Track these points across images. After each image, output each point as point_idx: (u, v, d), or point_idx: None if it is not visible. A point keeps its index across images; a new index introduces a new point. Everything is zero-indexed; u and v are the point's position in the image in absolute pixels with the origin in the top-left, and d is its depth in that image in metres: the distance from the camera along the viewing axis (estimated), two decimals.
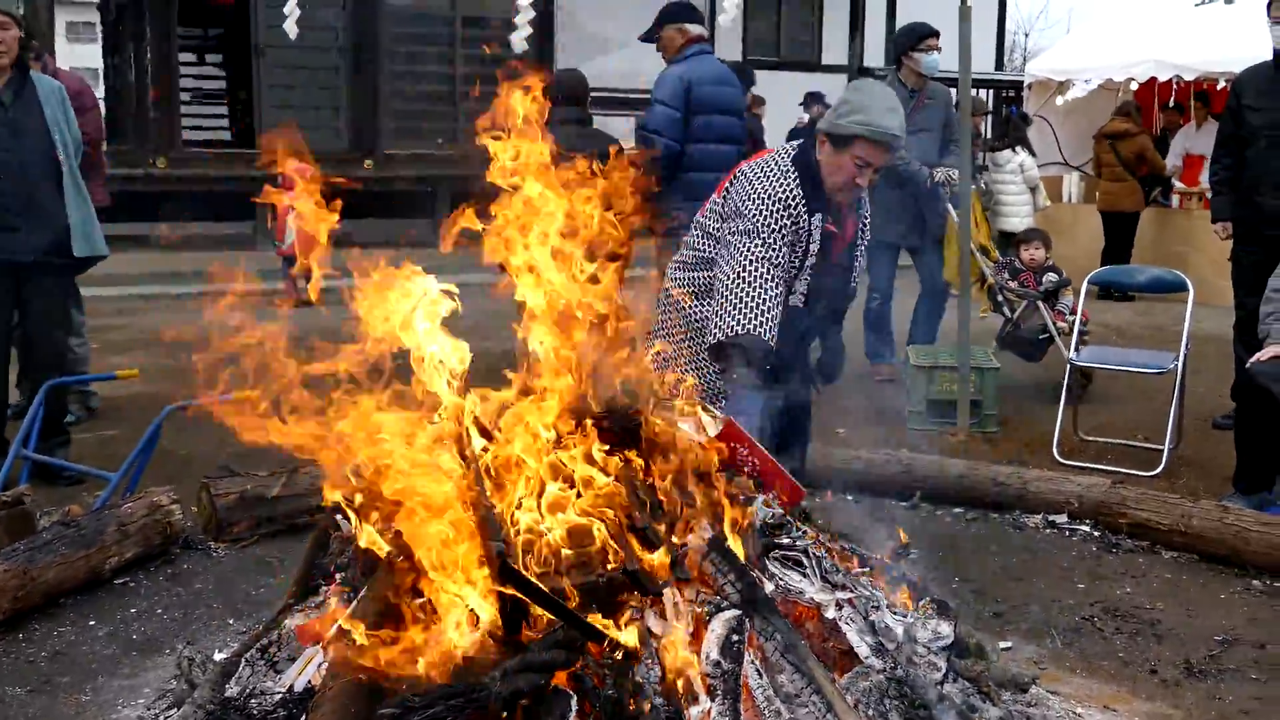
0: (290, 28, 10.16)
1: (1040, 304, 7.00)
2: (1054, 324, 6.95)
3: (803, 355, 4.30)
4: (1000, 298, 7.34)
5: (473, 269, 3.07)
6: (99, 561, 4.22)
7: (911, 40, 7.20)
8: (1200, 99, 12.31)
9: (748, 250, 3.93)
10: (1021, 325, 7.16)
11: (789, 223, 3.94)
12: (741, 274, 3.92)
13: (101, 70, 19.80)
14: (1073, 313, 7.07)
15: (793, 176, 3.98)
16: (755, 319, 3.88)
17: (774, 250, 3.93)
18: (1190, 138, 12.15)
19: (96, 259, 5.49)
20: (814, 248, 4.02)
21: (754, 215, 3.94)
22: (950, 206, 7.48)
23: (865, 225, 4.34)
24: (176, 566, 4.49)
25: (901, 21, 17.79)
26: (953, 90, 7.14)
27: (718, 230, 4.11)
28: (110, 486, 4.76)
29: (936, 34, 7.21)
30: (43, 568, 4.00)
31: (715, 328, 3.96)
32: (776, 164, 4.05)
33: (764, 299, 3.90)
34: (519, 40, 9.30)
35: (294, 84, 14.41)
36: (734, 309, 3.91)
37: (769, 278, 3.91)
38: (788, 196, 3.95)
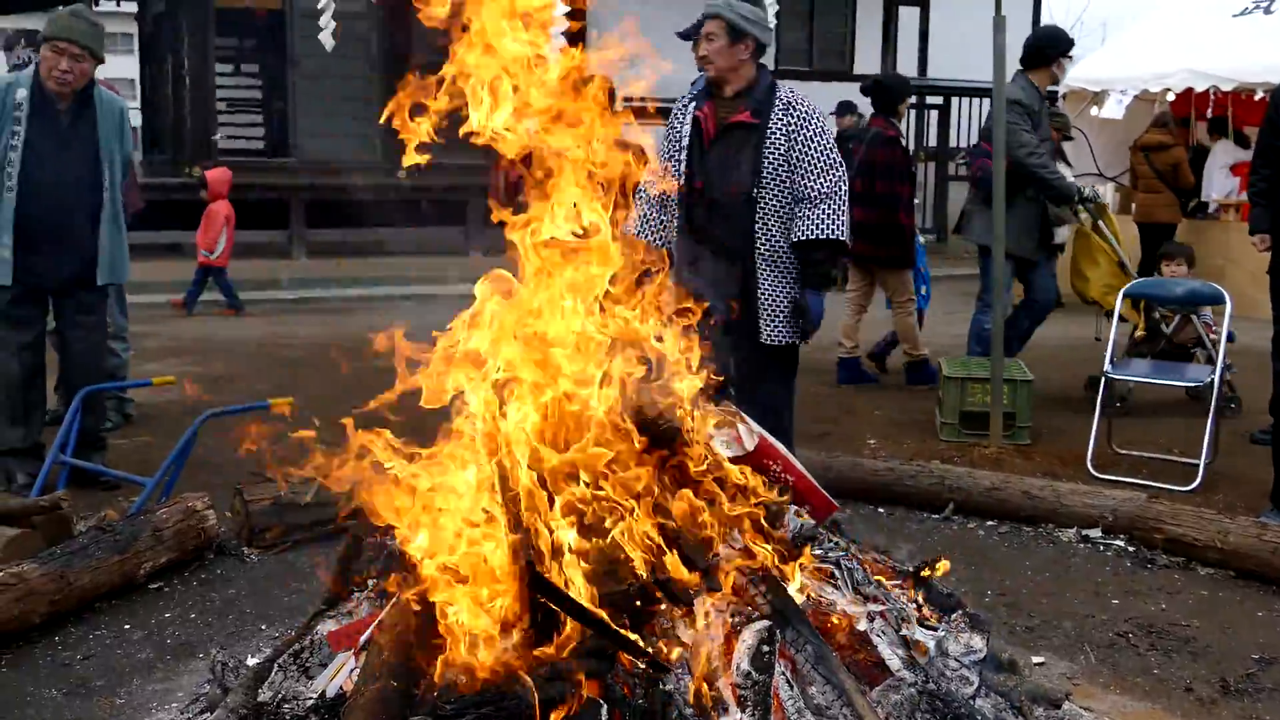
0: (326, 39, 10.23)
1: (1193, 317, 6.97)
2: (1207, 336, 6.91)
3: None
4: (1157, 314, 7.28)
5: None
6: (134, 566, 4.26)
7: (1062, 48, 7.21)
8: (1219, 124, 12.29)
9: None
10: (1174, 339, 7.13)
11: (674, 121, 4.82)
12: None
13: (138, 80, 20.01)
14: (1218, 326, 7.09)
15: (689, 93, 4.91)
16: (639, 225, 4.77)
17: (663, 151, 4.77)
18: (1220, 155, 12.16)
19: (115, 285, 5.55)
20: (684, 129, 4.73)
21: None
22: (1097, 221, 7.43)
23: (780, 121, 4.66)
24: (210, 571, 4.52)
25: (935, 32, 17.94)
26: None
27: None
28: (146, 492, 4.79)
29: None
30: (79, 572, 4.03)
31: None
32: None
33: (642, 206, 4.77)
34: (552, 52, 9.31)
35: (328, 94, 14.50)
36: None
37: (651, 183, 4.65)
38: (681, 99, 4.86)
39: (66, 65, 5.03)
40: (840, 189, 4.59)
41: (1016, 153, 6.91)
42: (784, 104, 4.63)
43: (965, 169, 7.53)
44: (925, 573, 3.34)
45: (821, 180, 4.57)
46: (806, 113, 4.62)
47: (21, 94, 5.05)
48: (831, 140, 4.66)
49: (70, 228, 5.20)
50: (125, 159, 5.42)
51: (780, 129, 4.60)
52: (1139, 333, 7.65)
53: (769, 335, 4.65)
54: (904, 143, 7.74)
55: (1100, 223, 7.55)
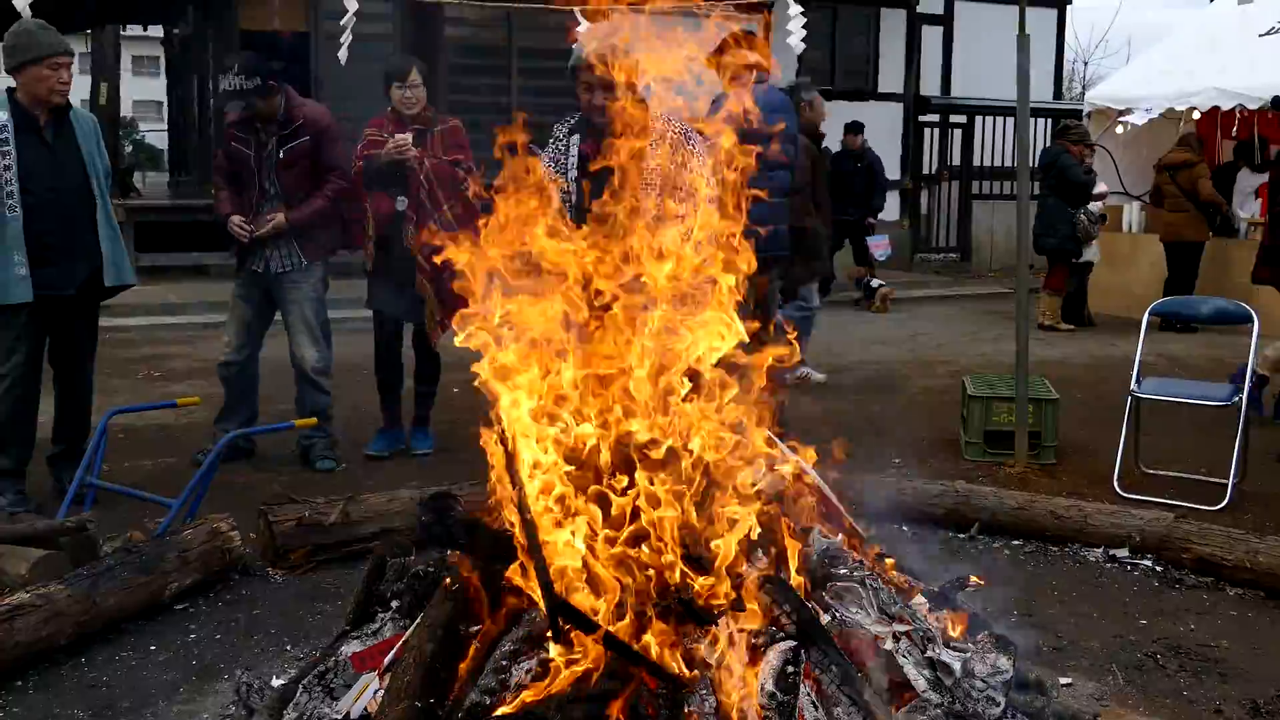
0: (343, 54, 10.26)
1: None
2: None
3: None
4: None
5: None
6: (160, 587, 4.27)
7: None
8: (1245, 150, 12.26)
9: None
10: None
11: (551, 148, 5.06)
12: None
13: (165, 103, 20.21)
14: None
15: (570, 118, 5.12)
16: None
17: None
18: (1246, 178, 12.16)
19: (124, 287, 5.58)
20: (572, 160, 4.97)
21: None
22: None
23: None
24: (235, 592, 4.53)
25: (959, 52, 17.94)
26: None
27: None
28: (171, 513, 4.81)
29: None
30: (105, 593, 4.05)
31: None
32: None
33: None
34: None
35: (352, 114, 14.58)
36: None
37: None
38: (556, 130, 5.12)
39: (66, 76, 5.17)
40: None
41: None
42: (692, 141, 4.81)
43: None
44: (951, 592, 3.33)
45: None
46: None
47: (2, 117, 5.13)
48: None
49: (71, 235, 5.27)
50: (107, 170, 5.51)
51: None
52: None
53: None
54: None
55: None
